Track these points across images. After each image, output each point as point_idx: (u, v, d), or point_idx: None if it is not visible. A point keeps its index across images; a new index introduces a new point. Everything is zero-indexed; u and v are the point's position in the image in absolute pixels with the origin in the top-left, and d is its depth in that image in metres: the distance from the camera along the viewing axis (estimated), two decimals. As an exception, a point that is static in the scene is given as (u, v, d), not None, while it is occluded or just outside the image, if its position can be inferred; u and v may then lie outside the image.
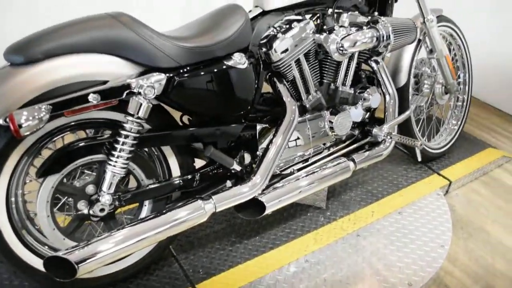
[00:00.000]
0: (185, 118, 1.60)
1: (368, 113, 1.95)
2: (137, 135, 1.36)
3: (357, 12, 1.80)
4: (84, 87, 1.25)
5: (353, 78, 1.86)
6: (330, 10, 1.73)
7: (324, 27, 1.70)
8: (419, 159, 1.85)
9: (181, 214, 1.43)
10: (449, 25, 2.30)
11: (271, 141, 1.60)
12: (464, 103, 2.51)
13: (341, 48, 1.65)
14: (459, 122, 2.51)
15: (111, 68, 1.30)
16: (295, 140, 1.76)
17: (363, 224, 1.95)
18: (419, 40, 2.13)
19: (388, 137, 1.89)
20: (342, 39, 1.64)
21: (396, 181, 2.24)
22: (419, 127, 2.29)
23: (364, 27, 1.74)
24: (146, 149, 1.53)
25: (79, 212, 1.41)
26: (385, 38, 1.74)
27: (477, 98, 3.20)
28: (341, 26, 1.71)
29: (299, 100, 1.73)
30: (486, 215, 2.14)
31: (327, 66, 1.79)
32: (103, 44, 1.28)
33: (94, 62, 1.28)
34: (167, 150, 1.53)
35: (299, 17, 1.68)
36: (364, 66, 1.97)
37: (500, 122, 3.02)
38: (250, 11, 1.64)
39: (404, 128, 2.14)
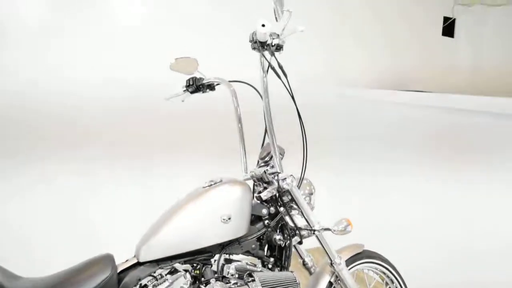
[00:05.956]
0: None
1: None
2: None
3: (245, 263, 1.77)
4: None
5: None
6: (214, 259, 1.72)
7: (202, 279, 1.67)
8: None
9: None
10: (375, 261, 2.21)
11: None
12: None
13: None
14: None
15: None
16: None
17: None
18: (331, 283, 2.04)
19: None
20: (212, 297, 1.60)
21: None
22: None
23: (241, 281, 1.69)
24: None
25: None
26: (257, 294, 1.67)
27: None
28: (223, 277, 1.68)
29: None
30: None
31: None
32: None
33: None
34: None
35: (178, 269, 1.67)
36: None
37: None
38: (127, 260, 1.66)
39: None
